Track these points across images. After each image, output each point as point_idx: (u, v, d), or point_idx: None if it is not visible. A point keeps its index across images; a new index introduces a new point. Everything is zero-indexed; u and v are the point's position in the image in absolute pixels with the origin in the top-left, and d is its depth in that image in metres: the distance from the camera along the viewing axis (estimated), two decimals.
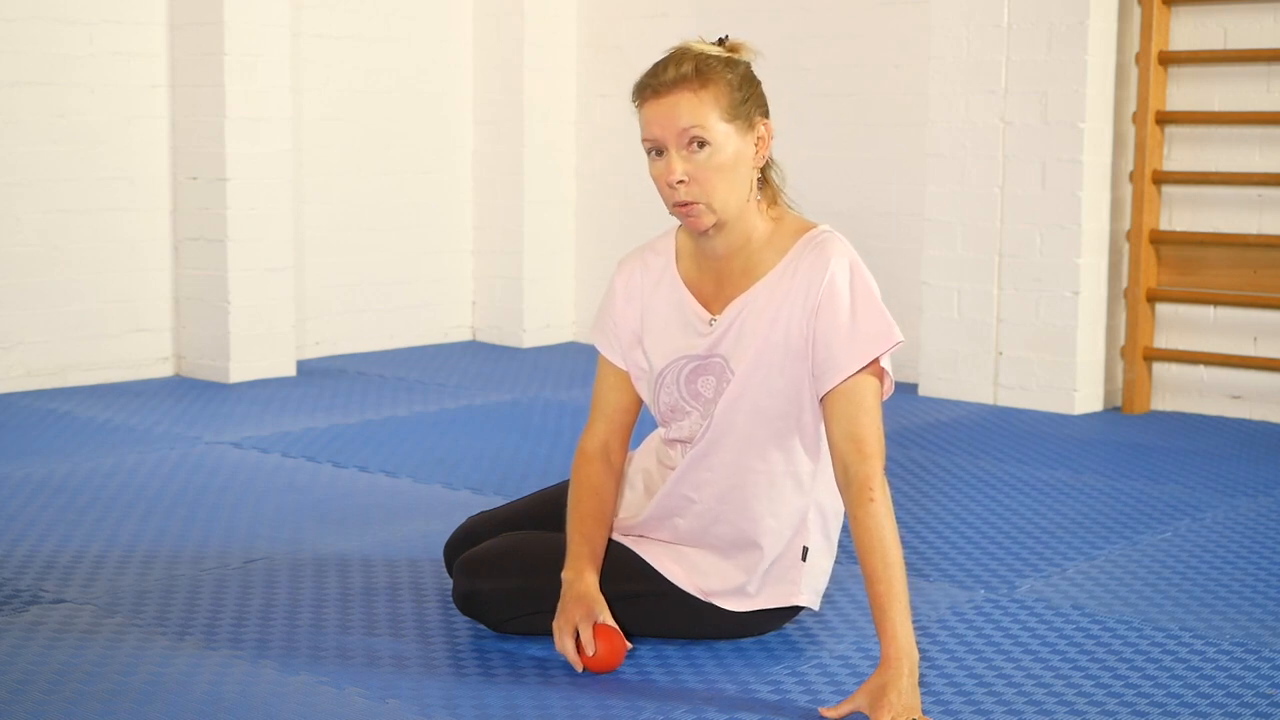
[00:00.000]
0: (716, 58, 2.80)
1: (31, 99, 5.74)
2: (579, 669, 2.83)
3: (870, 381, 2.78)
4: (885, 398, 2.84)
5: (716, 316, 2.91)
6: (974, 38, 5.68)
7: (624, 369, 3.04)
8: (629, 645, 2.89)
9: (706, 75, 2.77)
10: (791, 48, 6.41)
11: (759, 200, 2.87)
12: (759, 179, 2.87)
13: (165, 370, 6.18)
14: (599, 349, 3.07)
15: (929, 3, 5.87)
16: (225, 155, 5.94)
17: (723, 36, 2.90)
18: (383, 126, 6.81)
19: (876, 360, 2.78)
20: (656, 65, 2.81)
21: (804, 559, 2.95)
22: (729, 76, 2.78)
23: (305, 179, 6.53)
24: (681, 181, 2.77)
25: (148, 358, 6.13)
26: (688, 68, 2.77)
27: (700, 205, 2.79)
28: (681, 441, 2.98)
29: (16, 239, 5.73)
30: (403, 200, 6.92)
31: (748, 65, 2.85)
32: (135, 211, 6.05)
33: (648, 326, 2.99)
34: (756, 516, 2.92)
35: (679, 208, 2.81)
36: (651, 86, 2.79)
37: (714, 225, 2.82)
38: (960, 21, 5.71)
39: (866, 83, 6.25)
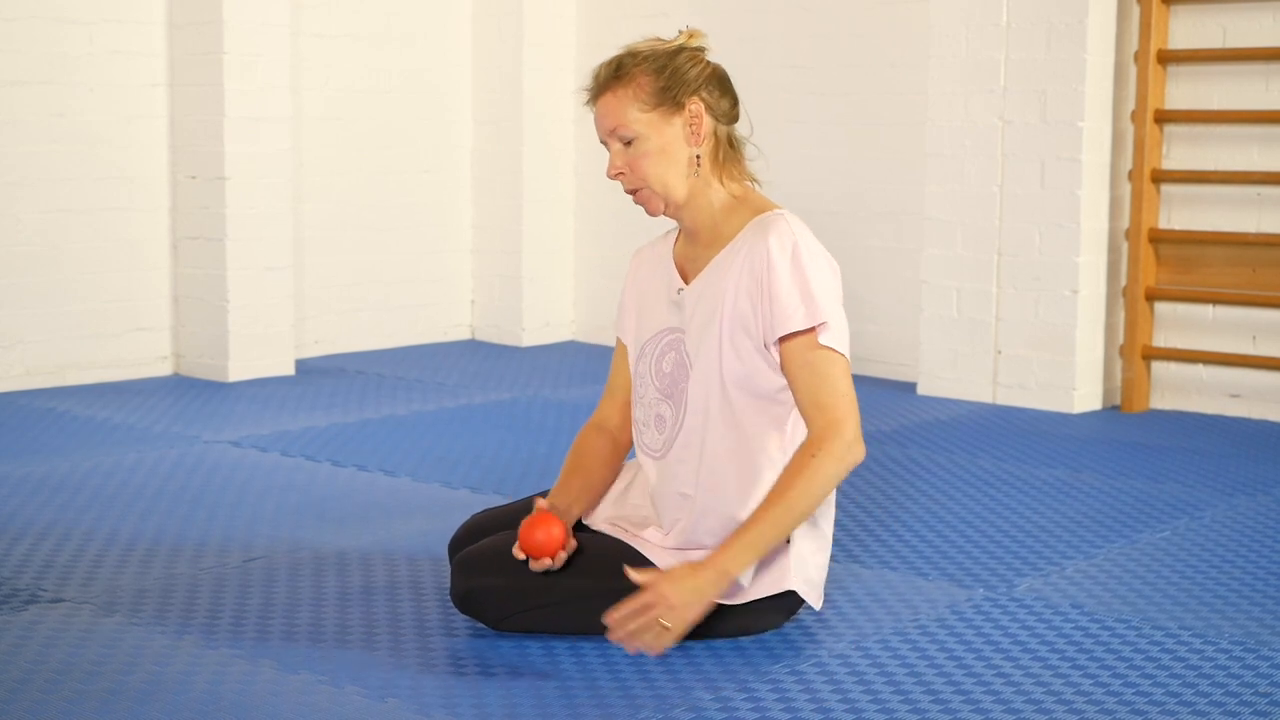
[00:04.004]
0: (636, 54, 2.98)
1: (31, 99, 5.74)
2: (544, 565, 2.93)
3: (826, 354, 2.88)
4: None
5: (685, 287, 3.04)
6: (973, 37, 5.68)
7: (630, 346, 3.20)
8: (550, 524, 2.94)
9: (624, 73, 2.97)
10: (790, 47, 6.41)
11: (711, 174, 3.01)
12: (716, 153, 3.01)
13: (164, 369, 6.18)
14: (618, 337, 3.24)
15: (928, 2, 5.87)
16: (224, 154, 5.94)
17: (680, 29, 3.06)
18: (382, 126, 6.81)
19: (815, 336, 2.87)
20: (594, 70, 3.03)
21: (789, 541, 2.96)
22: (649, 67, 2.96)
23: (304, 178, 6.53)
24: (621, 174, 3.00)
25: (147, 357, 6.13)
26: (608, 70, 2.99)
27: (644, 191, 2.98)
28: (655, 451, 3.06)
29: (16, 238, 5.73)
30: (402, 200, 6.92)
31: (679, 50, 2.99)
32: (134, 210, 6.05)
33: (642, 303, 3.14)
34: (735, 503, 2.95)
35: (630, 195, 3.02)
36: (587, 92, 3.03)
37: (667, 207, 3.01)
38: (959, 20, 5.71)
39: (866, 82, 6.25)
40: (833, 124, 6.34)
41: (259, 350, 6.09)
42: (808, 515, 2.86)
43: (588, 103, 3.03)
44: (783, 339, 2.90)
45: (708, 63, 3.02)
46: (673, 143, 2.97)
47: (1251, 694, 2.80)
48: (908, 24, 6.11)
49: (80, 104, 5.86)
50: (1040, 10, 5.54)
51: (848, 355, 2.92)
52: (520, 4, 6.89)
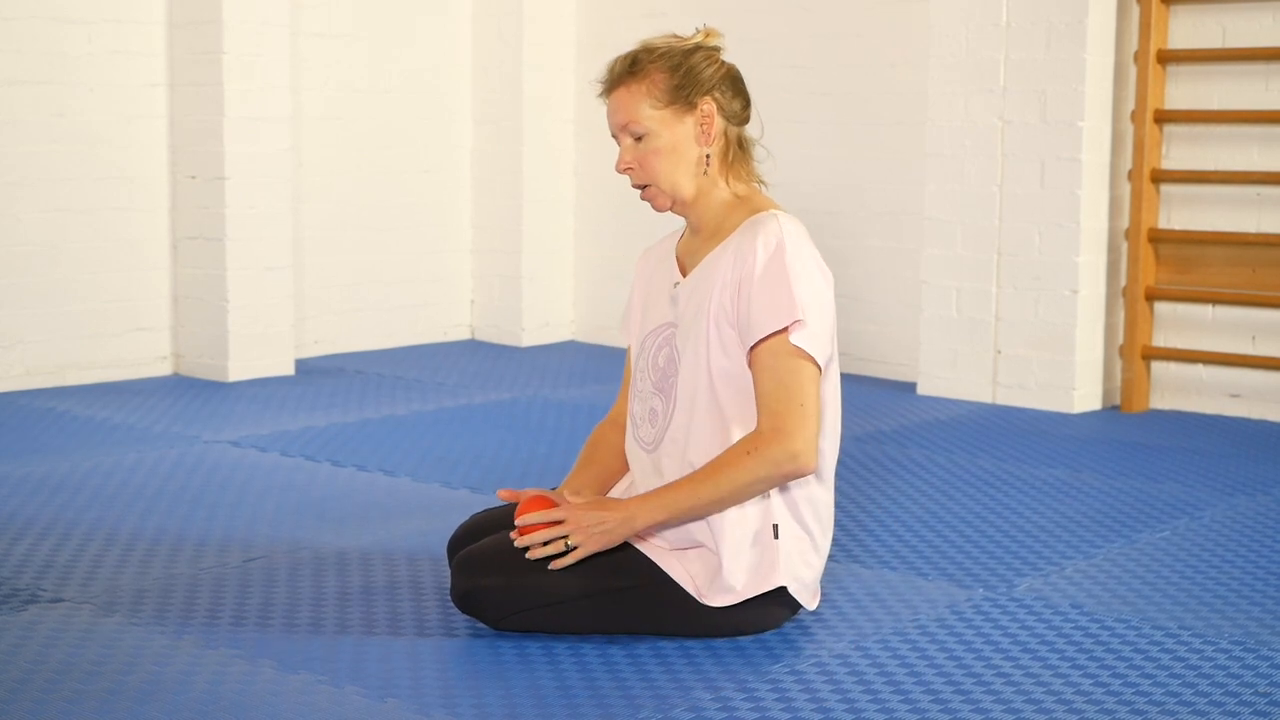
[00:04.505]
0: (652, 50, 2.99)
1: (31, 98, 5.74)
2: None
3: (793, 363, 2.89)
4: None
5: (681, 281, 3.07)
6: (973, 36, 5.68)
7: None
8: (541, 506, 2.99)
9: (639, 69, 2.98)
10: (790, 47, 6.41)
11: (719, 174, 3.03)
12: (726, 153, 3.03)
13: (164, 369, 6.18)
14: (622, 333, 3.29)
15: (928, 2, 5.87)
16: (224, 154, 5.94)
17: (697, 27, 3.07)
18: (382, 126, 6.81)
19: (786, 336, 2.88)
20: (609, 63, 3.04)
21: (776, 536, 2.97)
22: (664, 64, 2.97)
23: (304, 178, 6.53)
24: (630, 169, 3.02)
25: (146, 356, 6.13)
26: (622, 65, 3.00)
27: (652, 188, 3.01)
28: (648, 444, 3.08)
29: (16, 238, 5.73)
30: (402, 200, 6.92)
31: (695, 49, 3.00)
32: (134, 210, 6.05)
33: (647, 299, 3.16)
34: None
35: (638, 192, 3.04)
36: (601, 85, 3.05)
37: (674, 205, 3.04)
38: (959, 20, 5.71)
39: (866, 82, 6.25)
40: (833, 124, 6.34)
41: (259, 350, 6.09)
42: (726, 504, 2.90)
43: (600, 95, 3.04)
44: (754, 344, 2.92)
45: (722, 63, 3.04)
46: (683, 141, 2.99)
47: (1251, 694, 2.80)
48: (908, 24, 6.11)
49: (80, 104, 5.86)
50: (1040, 10, 5.54)
51: (821, 360, 2.92)
52: (520, 4, 6.89)
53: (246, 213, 6.02)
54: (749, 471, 2.87)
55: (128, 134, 6.00)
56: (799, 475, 2.91)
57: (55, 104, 5.80)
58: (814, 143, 6.36)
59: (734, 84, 3.04)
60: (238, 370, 6.03)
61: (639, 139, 2.98)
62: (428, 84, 6.96)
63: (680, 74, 2.97)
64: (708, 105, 2.99)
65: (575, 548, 2.91)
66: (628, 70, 2.99)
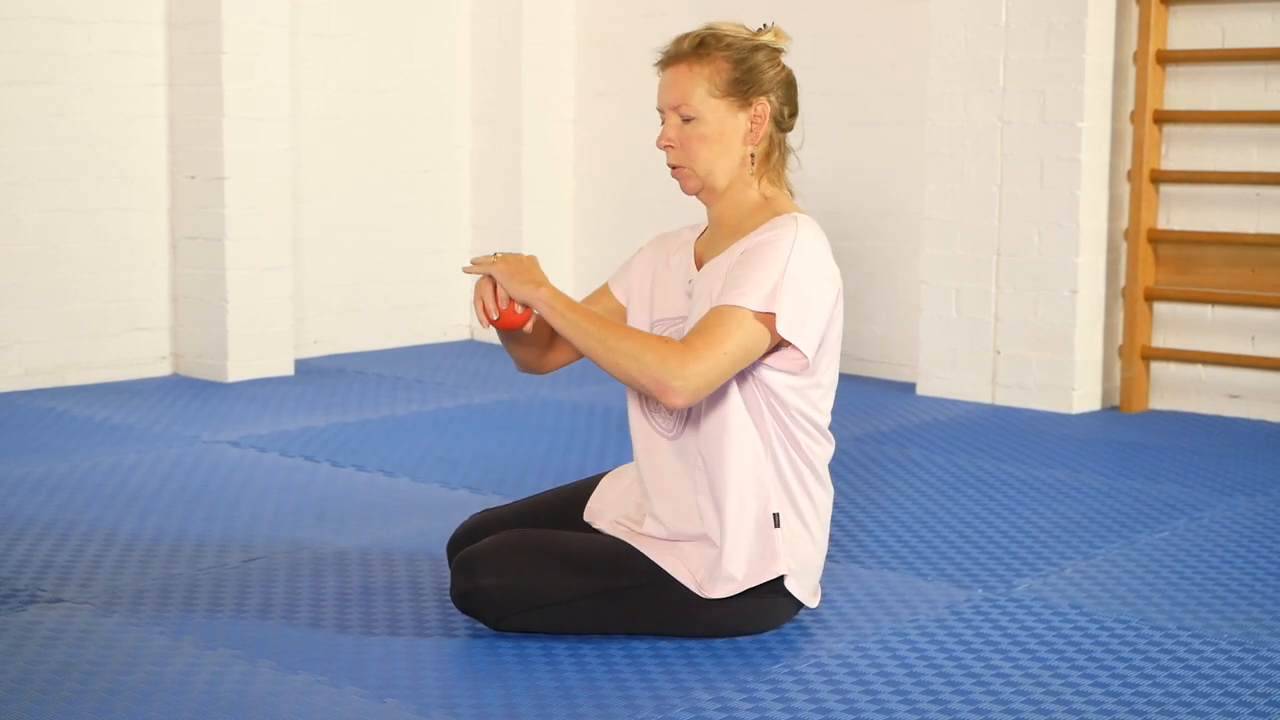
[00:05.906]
0: (720, 37, 2.98)
1: (31, 98, 5.74)
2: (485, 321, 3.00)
3: (741, 318, 2.83)
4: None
5: (696, 275, 3.04)
6: (972, 37, 5.69)
7: (620, 302, 3.20)
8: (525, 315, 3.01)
9: (704, 52, 2.97)
10: (790, 46, 6.40)
11: (754, 175, 3.03)
12: (768, 156, 3.04)
13: (163, 369, 6.18)
14: (609, 283, 3.23)
15: (928, 2, 5.87)
16: (223, 154, 5.94)
17: (765, 23, 3.10)
18: (381, 126, 6.82)
19: (769, 316, 2.84)
20: (676, 38, 3.02)
21: (776, 525, 2.96)
22: (730, 55, 2.97)
23: (303, 178, 6.53)
24: (670, 146, 3.01)
25: (146, 357, 6.13)
26: (691, 43, 2.98)
27: (686, 169, 3.00)
28: (668, 432, 3.06)
29: (15, 238, 5.73)
30: (401, 200, 6.92)
31: (761, 47, 3.01)
32: (134, 210, 6.05)
33: (657, 282, 3.13)
34: (721, 487, 2.94)
35: (670, 169, 3.03)
36: (663, 56, 3.02)
37: (702, 190, 3.02)
38: (959, 20, 5.71)
39: (865, 82, 6.25)
40: (833, 124, 6.34)
41: (258, 350, 6.09)
42: (605, 357, 2.85)
43: (658, 65, 3.02)
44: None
45: (784, 66, 3.07)
46: (730, 134, 2.99)
47: (1250, 694, 2.80)
48: (908, 24, 6.11)
49: (80, 104, 5.86)
50: (1039, 10, 5.54)
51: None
52: (520, 4, 6.89)
53: (246, 212, 6.02)
54: (645, 349, 2.82)
55: (127, 134, 6.00)
56: (668, 396, 2.81)
57: (55, 104, 5.80)
58: (814, 143, 6.33)
59: (789, 89, 3.07)
60: (237, 370, 6.03)
61: (687, 120, 2.97)
62: (427, 84, 6.96)
63: (743, 69, 2.98)
64: (761, 106, 3.00)
65: (494, 261, 3.00)
66: (693, 50, 2.97)
